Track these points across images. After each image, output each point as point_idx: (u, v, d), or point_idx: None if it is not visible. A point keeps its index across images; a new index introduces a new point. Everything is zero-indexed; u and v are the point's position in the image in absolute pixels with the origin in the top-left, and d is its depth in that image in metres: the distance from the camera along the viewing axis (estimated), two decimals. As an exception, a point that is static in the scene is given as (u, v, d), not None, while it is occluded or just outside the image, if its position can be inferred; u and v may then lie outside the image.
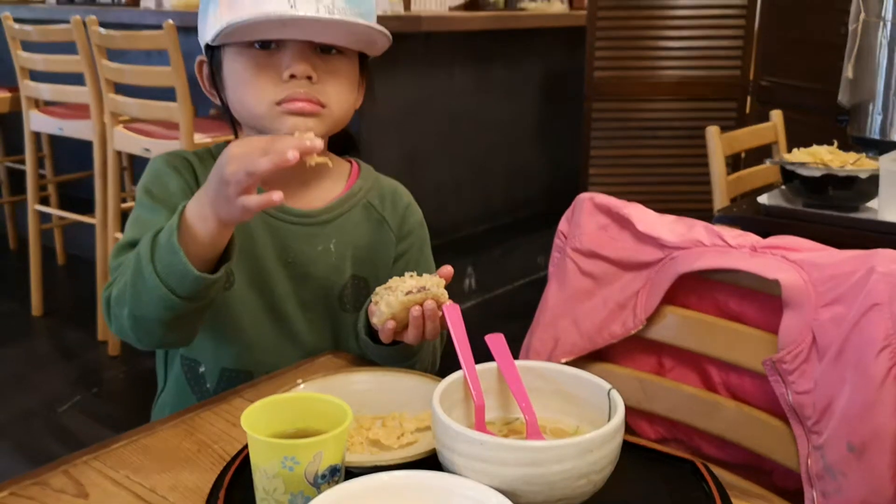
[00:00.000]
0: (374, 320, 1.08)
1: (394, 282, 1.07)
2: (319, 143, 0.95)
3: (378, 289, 1.09)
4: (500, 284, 4.00)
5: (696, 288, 1.63)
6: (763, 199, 2.33)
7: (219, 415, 1.08)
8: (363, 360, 1.29)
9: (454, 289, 1.38)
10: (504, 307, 3.74)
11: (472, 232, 4.26)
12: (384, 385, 1.08)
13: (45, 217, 3.83)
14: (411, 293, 1.05)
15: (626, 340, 1.70)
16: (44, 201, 3.97)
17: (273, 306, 1.25)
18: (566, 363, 1.75)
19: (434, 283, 1.07)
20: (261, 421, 0.85)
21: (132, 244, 1.10)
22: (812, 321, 1.42)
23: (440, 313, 1.04)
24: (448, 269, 1.09)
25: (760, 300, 1.53)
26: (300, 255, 1.26)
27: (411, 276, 1.07)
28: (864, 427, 1.35)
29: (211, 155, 1.27)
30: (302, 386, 1.04)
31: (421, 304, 1.05)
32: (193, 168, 1.23)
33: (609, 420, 0.89)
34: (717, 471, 0.96)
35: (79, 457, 0.99)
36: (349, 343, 1.34)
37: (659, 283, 1.65)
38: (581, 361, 1.76)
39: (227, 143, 1.29)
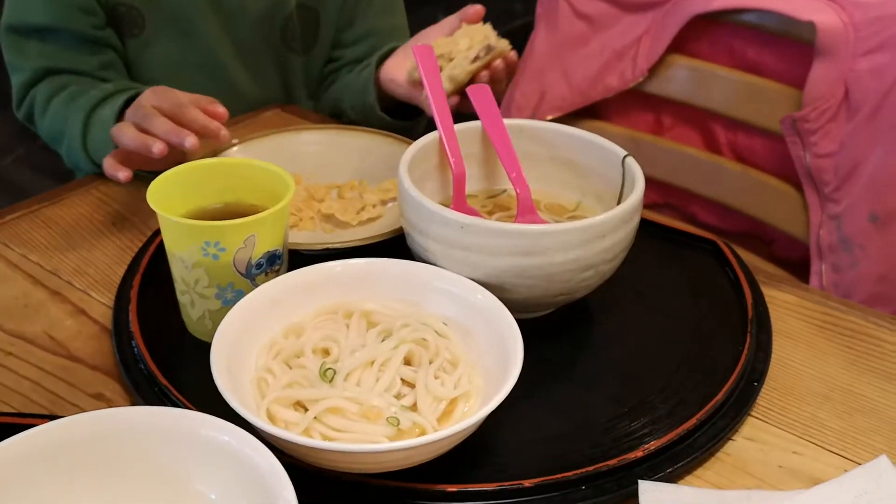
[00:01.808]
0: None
1: (442, 46, 0.83)
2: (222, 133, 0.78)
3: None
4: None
5: (708, 33, 1.41)
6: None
7: (141, 180, 0.89)
8: (318, 115, 1.08)
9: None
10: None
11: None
12: (341, 146, 0.88)
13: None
14: (478, 58, 0.82)
15: (621, 95, 1.50)
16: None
17: (200, 53, 1.02)
18: (553, 120, 1.56)
19: (489, 35, 0.83)
20: (177, 195, 0.66)
21: (20, 29, 0.96)
22: (847, 72, 1.22)
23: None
24: (477, 9, 0.84)
25: (786, 47, 1.32)
26: None
27: (454, 35, 0.83)
28: (893, 195, 1.20)
29: None
30: (235, 149, 0.83)
31: (487, 67, 0.83)
32: None
33: (622, 195, 0.72)
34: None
35: (-37, 232, 0.81)
36: (300, 94, 1.12)
37: (666, 27, 1.43)
38: (570, 118, 1.57)
39: None
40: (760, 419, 0.62)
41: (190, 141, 0.76)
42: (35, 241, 0.81)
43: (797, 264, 1.38)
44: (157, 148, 0.75)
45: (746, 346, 0.66)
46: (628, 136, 1.53)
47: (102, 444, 0.49)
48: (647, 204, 1.56)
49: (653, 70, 1.45)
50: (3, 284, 0.75)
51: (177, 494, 0.49)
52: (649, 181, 1.70)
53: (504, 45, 0.83)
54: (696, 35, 1.41)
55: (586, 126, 1.57)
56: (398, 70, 0.94)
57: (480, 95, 0.78)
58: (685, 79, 1.44)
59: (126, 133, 0.78)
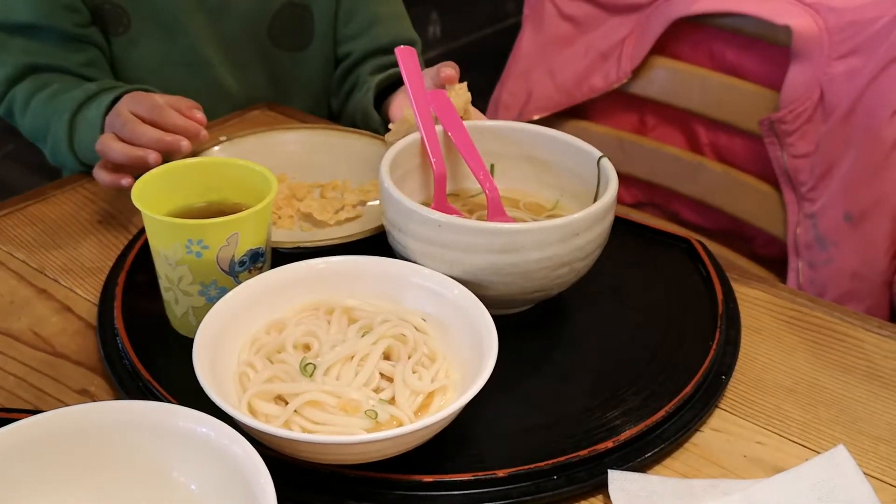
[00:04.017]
0: None
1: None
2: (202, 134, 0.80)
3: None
4: (466, 32, 3.70)
5: (690, 36, 1.44)
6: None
7: (128, 178, 0.90)
8: (305, 114, 1.09)
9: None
10: (470, 57, 3.48)
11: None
12: (326, 146, 0.90)
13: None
14: None
15: (606, 95, 1.53)
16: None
17: (186, 51, 1.02)
18: (539, 119, 1.58)
19: (466, 102, 0.81)
20: (161, 193, 0.67)
21: (4, 26, 0.96)
22: (822, 75, 1.24)
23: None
24: (450, 73, 0.82)
25: (764, 50, 1.34)
26: None
27: None
28: (866, 194, 1.22)
29: None
30: (217, 148, 0.84)
31: None
32: None
33: (597, 195, 0.73)
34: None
35: (-50, 230, 0.82)
36: (292, 93, 1.13)
37: (649, 29, 1.45)
38: (555, 118, 1.59)
39: None
40: (727, 411, 0.64)
41: (184, 144, 0.78)
42: (21, 238, 0.82)
43: (776, 261, 1.41)
44: (153, 159, 0.76)
45: (716, 340, 0.68)
46: (613, 136, 1.55)
47: (84, 438, 0.51)
48: (631, 202, 1.59)
49: (636, 71, 1.47)
50: (-10, 282, 0.76)
51: (157, 485, 0.51)
52: (633, 180, 1.73)
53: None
54: (678, 38, 1.44)
55: (571, 126, 1.61)
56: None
57: (439, 102, 0.78)
58: (668, 80, 1.47)
59: (114, 148, 0.79)
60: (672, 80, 1.47)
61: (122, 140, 0.79)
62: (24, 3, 0.94)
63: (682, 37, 1.44)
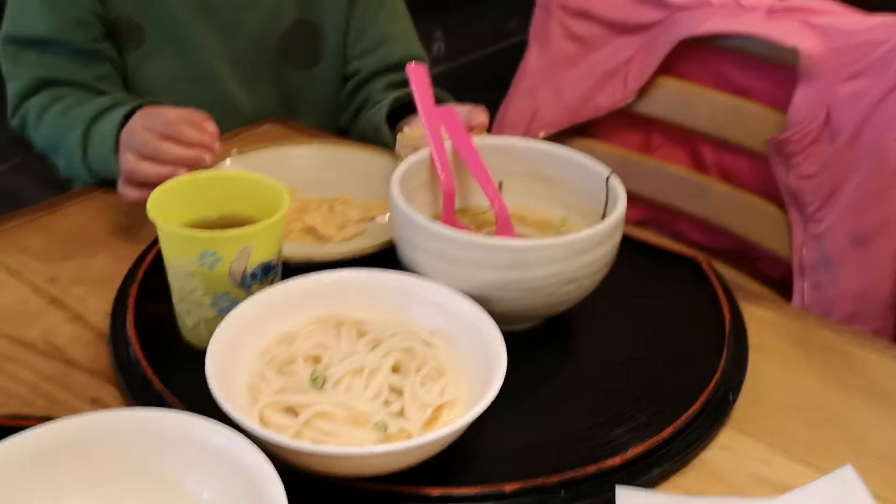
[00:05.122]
0: None
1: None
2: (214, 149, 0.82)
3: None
4: (469, 50, 3.73)
5: (697, 56, 1.45)
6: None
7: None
8: (314, 129, 1.10)
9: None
10: (474, 75, 3.50)
11: (440, -11, 3.89)
12: (336, 161, 0.91)
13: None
14: None
15: (611, 114, 1.54)
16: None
17: (197, 67, 1.04)
18: (544, 137, 1.59)
19: None
20: (175, 206, 0.68)
21: (18, 40, 0.97)
22: (829, 97, 1.25)
23: None
24: (481, 121, 0.85)
25: (771, 71, 1.35)
26: None
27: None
28: (872, 215, 1.23)
29: None
30: (228, 163, 0.85)
31: None
32: None
33: (605, 213, 0.74)
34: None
35: (-38, 239, 0.83)
36: (303, 109, 1.14)
37: (655, 49, 1.46)
38: (561, 136, 1.60)
39: None
40: (734, 429, 0.64)
41: (207, 158, 0.80)
42: (34, 248, 0.83)
43: (781, 282, 1.41)
44: (182, 174, 0.78)
45: (723, 359, 0.69)
46: (618, 155, 1.56)
47: (96, 446, 0.51)
48: (636, 221, 1.60)
49: (642, 91, 1.48)
50: (3, 291, 0.77)
51: (169, 494, 0.51)
52: (638, 199, 1.74)
53: None
54: (684, 58, 1.45)
55: (577, 144, 1.61)
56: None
57: (449, 119, 0.79)
58: (673, 100, 1.47)
59: (144, 169, 0.81)
60: (678, 100, 1.47)
61: (145, 157, 0.81)
62: (39, 17, 0.95)
63: (688, 57, 1.45)
